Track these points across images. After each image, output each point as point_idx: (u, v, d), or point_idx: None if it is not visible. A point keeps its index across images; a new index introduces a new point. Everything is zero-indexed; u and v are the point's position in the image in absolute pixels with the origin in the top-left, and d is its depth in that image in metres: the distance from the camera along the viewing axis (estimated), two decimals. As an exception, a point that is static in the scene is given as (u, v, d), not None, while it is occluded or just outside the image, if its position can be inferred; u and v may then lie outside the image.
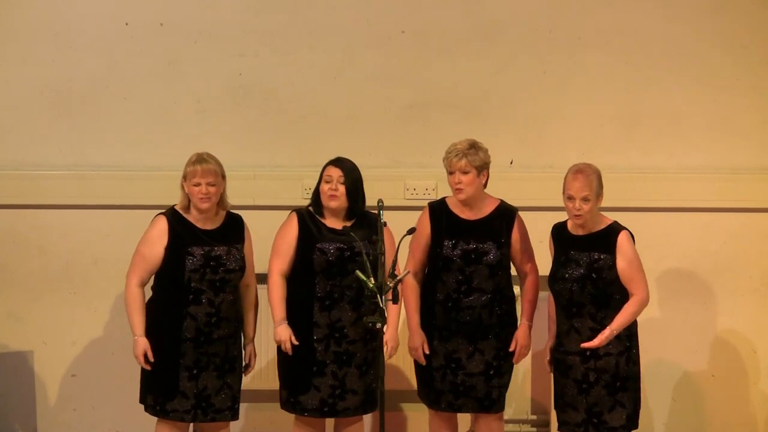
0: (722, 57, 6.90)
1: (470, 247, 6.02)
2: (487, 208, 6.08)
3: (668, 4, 6.88)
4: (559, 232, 6.02)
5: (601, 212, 5.99)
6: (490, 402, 6.07)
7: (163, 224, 5.94)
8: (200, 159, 5.93)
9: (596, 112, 6.95)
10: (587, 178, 5.84)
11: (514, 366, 6.16)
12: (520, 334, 6.05)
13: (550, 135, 6.95)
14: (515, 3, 6.86)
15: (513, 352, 6.07)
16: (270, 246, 6.10)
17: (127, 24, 6.85)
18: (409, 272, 6.00)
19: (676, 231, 6.98)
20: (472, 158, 5.95)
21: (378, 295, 5.63)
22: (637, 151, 6.96)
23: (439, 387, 6.09)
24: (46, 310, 6.94)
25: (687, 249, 7.00)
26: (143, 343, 5.88)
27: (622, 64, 6.91)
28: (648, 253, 6.75)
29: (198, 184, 5.89)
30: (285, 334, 5.96)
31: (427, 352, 6.06)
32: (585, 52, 6.90)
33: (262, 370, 6.82)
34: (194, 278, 5.88)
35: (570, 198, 5.86)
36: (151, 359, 5.88)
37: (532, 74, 6.91)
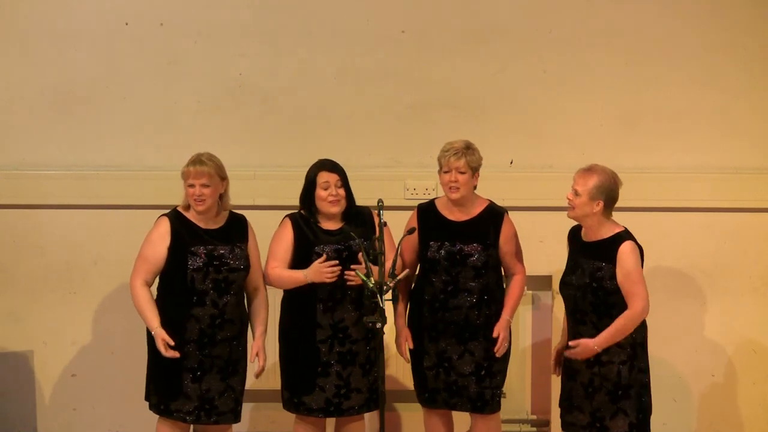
0: (722, 57, 6.90)
1: (455, 248, 6.02)
2: (476, 210, 6.08)
3: (668, 4, 6.88)
4: (573, 235, 5.99)
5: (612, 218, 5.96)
6: (483, 403, 6.07)
7: (165, 225, 5.92)
8: (196, 160, 5.89)
9: (596, 112, 6.95)
10: (585, 175, 5.80)
11: (511, 366, 6.17)
12: (500, 328, 6.00)
13: (550, 135, 6.95)
14: (515, 3, 6.86)
15: (504, 353, 6.07)
16: (268, 246, 6.09)
17: (127, 24, 6.85)
18: (408, 272, 6.01)
19: (675, 231, 6.98)
20: (470, 158, 5.97)
21: (378, 295, 5.65)
22: (637, 151, 6.96)
23: (433, 385, 6.10)
24: (46, 310, 6.94)
25: (687, 249, 7.00)
26: (161, 334, 5.81)
27: (622, 64, 6.91)
28: (648, 253, 6.75)
29: (192, 186, 5.87)
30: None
31: (411, 346, 6.09)
32: (585, 52, 6.90)
33: (262, 370, 6.83)
34: (197, 278, 5.86)
35: (571, 189, 5.86)
36: (172, 343, 5.80)
37: (532, 74, 6.91)
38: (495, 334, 6.00)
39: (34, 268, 6.94)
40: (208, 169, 5.87)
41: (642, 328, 5.86)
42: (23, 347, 6.98)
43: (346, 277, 5.90)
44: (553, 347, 6.13)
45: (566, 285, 5.90)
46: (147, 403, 6.00)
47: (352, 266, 5.89)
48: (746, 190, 6.93)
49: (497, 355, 6.02)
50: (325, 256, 5.92)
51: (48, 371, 7.00)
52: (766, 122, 6.96)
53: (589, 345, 5.78)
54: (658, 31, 6.89)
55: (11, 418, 6.99)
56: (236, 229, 6.01)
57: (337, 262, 5.91)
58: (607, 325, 5.79)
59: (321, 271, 5.89)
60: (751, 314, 7.02)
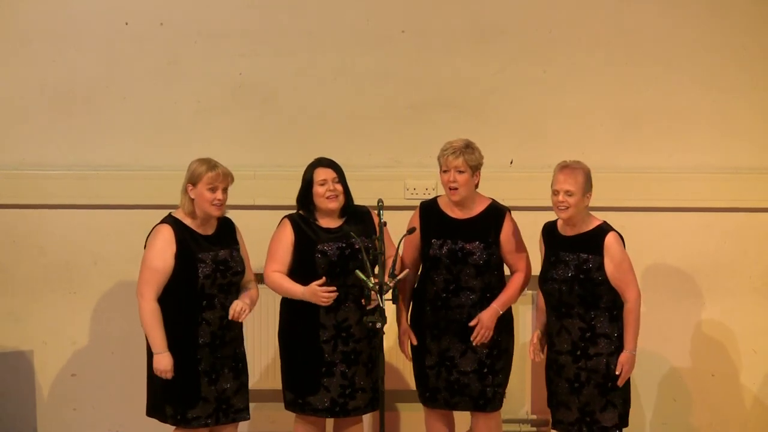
0: (722, 57, 6.90)
1: (457, 246, 6.02)
2: (478, 208, 6.08)
3: (668, 4, 6.88)
4: (549, 231, 6.01)
5: (599, 211, 5.99)
6: (485, 401, 6.07)
7: (168, 233, 5.83)
8: (215, 164, 5.82)
9: (596, 112, 6.95)
10: (572, 173, 5.83)
11: (512, 365, 6.17)
12: (484, 314, 5.99)
13: (550, 135, 6.95)
14: (515, 3, 6.87)
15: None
16: (267, 247, 6.09)
17: (127, 24, 6.85)
18: (408, 271, 6.01)
19: (675, 231, 6.98)
20: (469, 157, 5.96)
21: (378, 295, 5.65)
22: (637, 150, 6.96)
23: (434, 384, 6.10)
24: (46, 310, 6.95)
25: (686, 249, 7.00)
26: (169, 358, 5.77)
27: (622, 64, 6.91)
28: (647, 252, 6.78)
29: (215, 189, 5.80)
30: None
31: (415, 342, 6.08)
32: (585, 52, 6.90)
33: (261, 370, 6.83)
34: (207, 284, 5.82)
35: (555, 192, 5.85)
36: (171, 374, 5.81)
37: (532, 74, 6.91)
38: (473, 322, 5.99)
39: (34, 268, 6.94)
40: (229, 172, 5.85)
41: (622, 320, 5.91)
42: (23, 347, 6.98)
43: (363, 302, 5.93)
44: (535, 336, 6.07)
45: (548, 280, 5.91)
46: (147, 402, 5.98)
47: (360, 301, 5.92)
48: (746, 190, 6.93)
49: (473, 342, 6.00)
50: (324, 278, 5.92)
51: (48, 371, 7.00)
52: (766, 122, 6.96)
53: (630, 357, 5.84)
54: (658, 31, 6.89)
55: (11, 418, 6.99)
56: (227, 232, 5.98)
57: (334, 288, 5.90)
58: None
59: (318, 294, 5.88)
60: (751, 314, 7.02)
